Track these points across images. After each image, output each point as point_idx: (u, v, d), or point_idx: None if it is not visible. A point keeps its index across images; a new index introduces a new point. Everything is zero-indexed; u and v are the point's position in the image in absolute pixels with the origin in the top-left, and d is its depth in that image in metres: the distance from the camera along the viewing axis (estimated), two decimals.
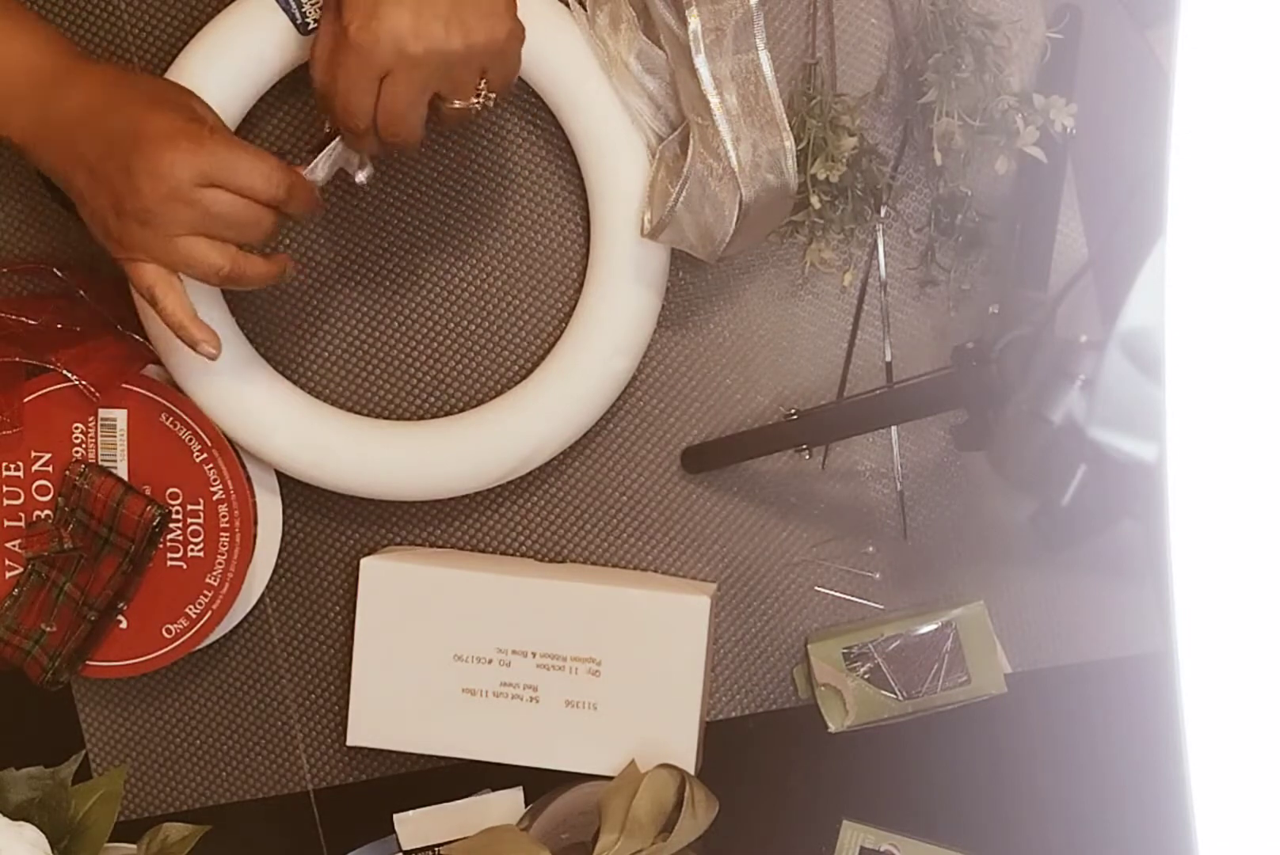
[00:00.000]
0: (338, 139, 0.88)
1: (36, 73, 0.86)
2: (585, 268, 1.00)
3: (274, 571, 1.04)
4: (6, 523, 1.01)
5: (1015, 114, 0.92)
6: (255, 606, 1.05)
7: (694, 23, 0.89)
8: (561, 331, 1.00)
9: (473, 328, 1.03)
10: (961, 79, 0.93)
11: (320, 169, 0.88)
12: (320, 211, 0.90)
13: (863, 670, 1.01)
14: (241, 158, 0.84)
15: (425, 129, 0.86)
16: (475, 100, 0.85)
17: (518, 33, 0.84)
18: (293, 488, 1.03)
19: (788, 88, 0.98)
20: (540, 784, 1.02)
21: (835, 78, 1.00)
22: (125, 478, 1.00)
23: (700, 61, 0.90)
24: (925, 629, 1.01)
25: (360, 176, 0.90)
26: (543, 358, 1.01)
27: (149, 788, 1.08)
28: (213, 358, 0.89)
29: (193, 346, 0.89)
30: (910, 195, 1.01)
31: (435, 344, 1.03)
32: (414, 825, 1.03)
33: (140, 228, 0.84)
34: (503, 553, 1.05)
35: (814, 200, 0.97)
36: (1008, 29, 0.94)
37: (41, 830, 0.93)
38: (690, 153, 0.91)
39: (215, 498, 0.99)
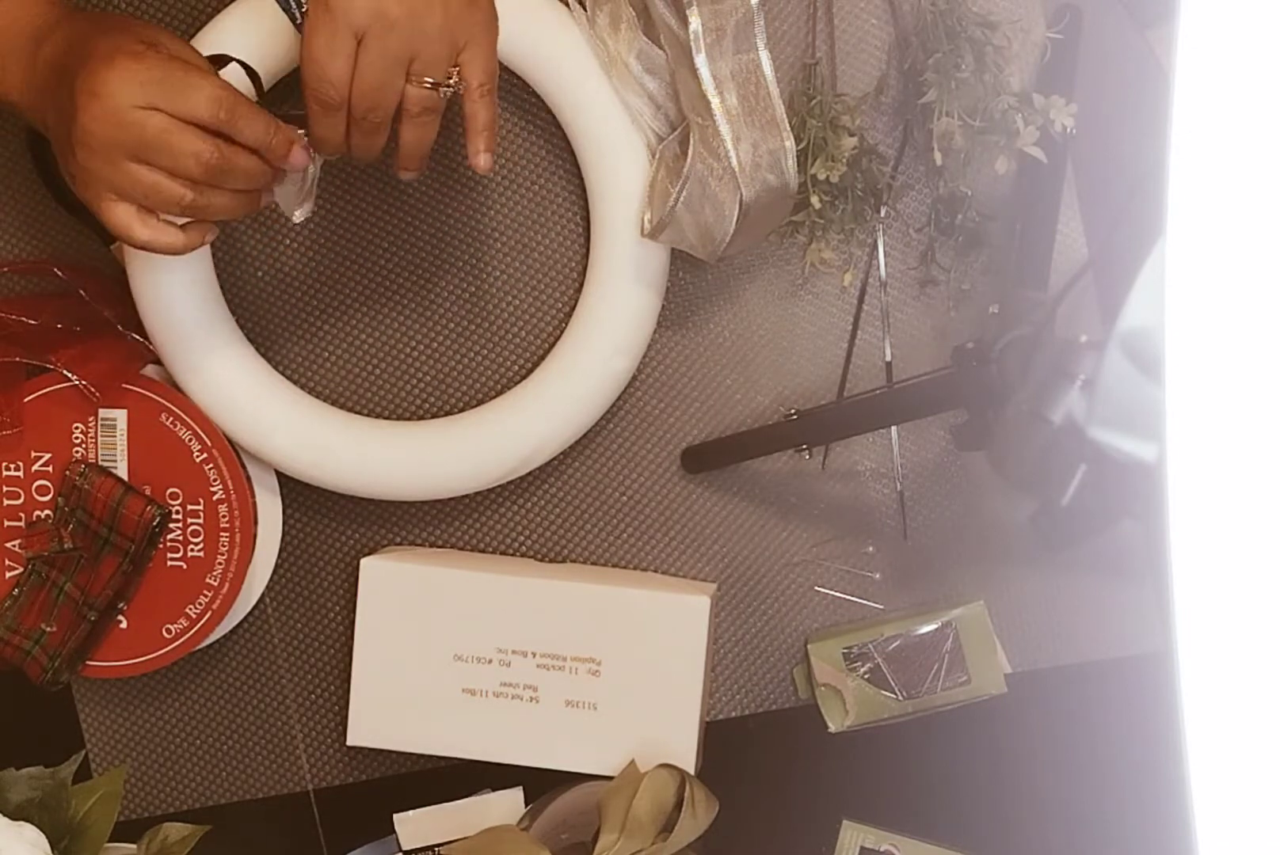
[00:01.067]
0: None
1: (27, 28, 0.84)
2: (585, 268, 1.00)
3: (274, 571, 1.04)
4: (6, 523, 1.01)
5: (1015, 114, 0.92)
6: (255, 606, 1.05)
7: (694, 23, 0.89)
8: (561, 331, 1.00)
9: (473, 328, 1.03)
10: (961, 79, 0.93)
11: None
12: (290, 161, 0.84)
13: (863, 670, 1.01)
14: (183, 77, 0.79)
15: (389, 135, 0.84)
16: (446, 85, 0.82)
17: (494, 24, 0.84)
18: (293, 488, 1.03)
19: (788, 88, 0.98)
20: (540, 784, 1.02)
21: (835, 78, 1.00)
22: (125, 478, 1.00)
23: (700, 61, 0.90)
24: (925, 629, 1.01)
25: (298, 214, 0.85)
26: (543, 358, 1.01)
27: (149, 788, 1.08)
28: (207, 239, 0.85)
29: (189, 249, 0.85)
30: (910, 195, 1.01)
31: (435, 344, 1.03)
32: (414, 825, 1.03)
33: (87, 156, 0.80)
34: (503, 553, 1.05)
35: (814, 200, 0.97)
36: (1008, 29, 0.94)
37: (41, 830, 0.93)
38: (690, 153, 0.91)
39: (215, 498, 0.99)
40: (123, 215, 0.82)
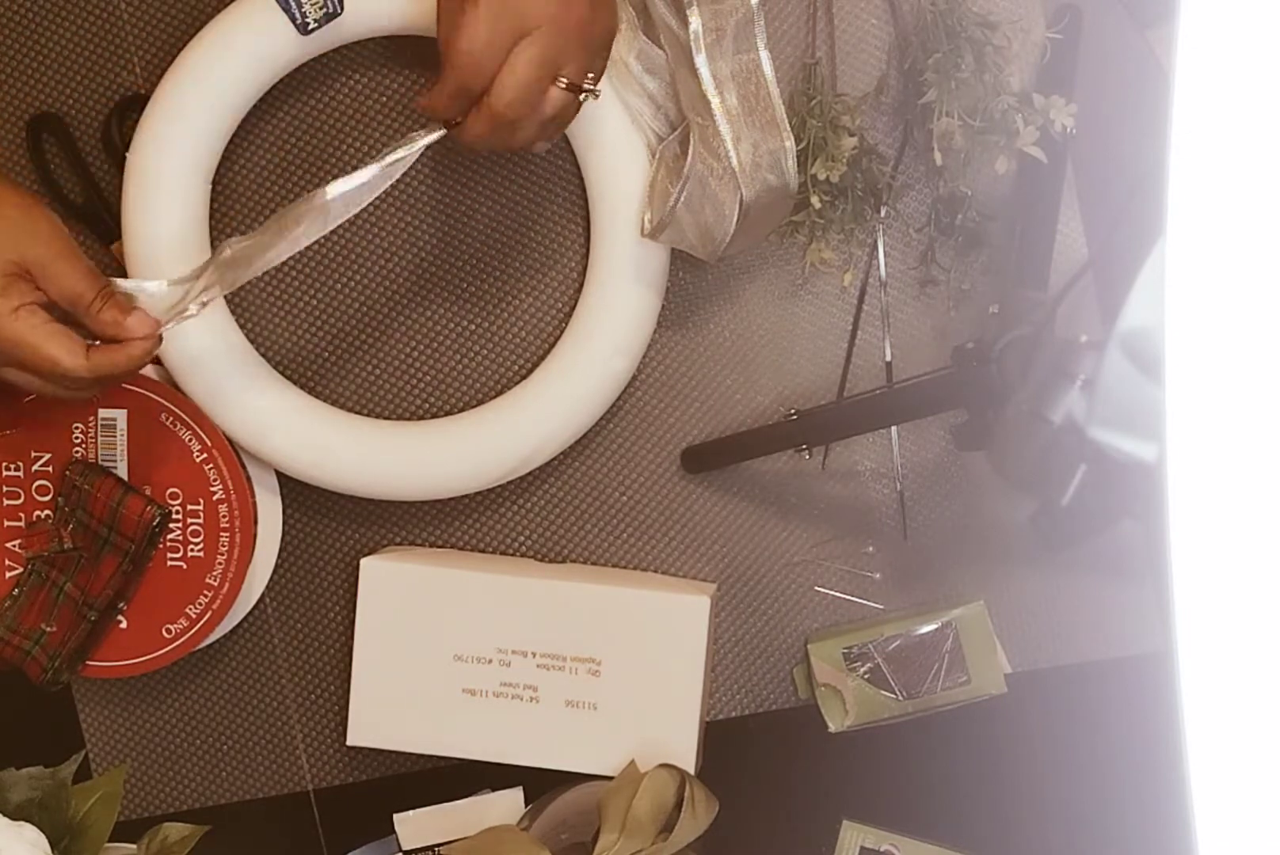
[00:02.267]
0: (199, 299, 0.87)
1: None
2: (585, 268, 1.00)
3: (274, 571, 1.04)
4: (6, 523, 1.01)
5: (1015, 114, 0.92)
6: (255, 606, 1.05)
7: (695, 23, 0.89)
8: (561, 331, 1.00)
9: (473, 328, 1.03)
10: (961, 79, 0.93)
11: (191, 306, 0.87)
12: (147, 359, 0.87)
13: (863, 670, 1.01)
14: (34, 353, 0.82)
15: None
16: (586, 89, 0.84)
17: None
18: (293, 488, 1.03)
19: (788, 88, 0.98)
20: (540, 784, 1.02)
21: (835, 78, 1.00)
22: (125, 478, 1.00)
23: (701, 61, 0.90)
24: (925, 629, 1.01)
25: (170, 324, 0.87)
26: (543, 358, 1.01)
27: (149, 788, 1.08)
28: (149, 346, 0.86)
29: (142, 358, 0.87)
30: (910, 195, 1.01)
31: (435, 344, 1.03)
32: (414, 825, 1.03)
33: None
34: (503, 553, 1.05)
35: (814, 200, 0.97)
36: (1008, 29, 0.94)
37: (41, 830, 0.93)
38: (690, 153, 0.91)
39: (215, 498, 0.99)
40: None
